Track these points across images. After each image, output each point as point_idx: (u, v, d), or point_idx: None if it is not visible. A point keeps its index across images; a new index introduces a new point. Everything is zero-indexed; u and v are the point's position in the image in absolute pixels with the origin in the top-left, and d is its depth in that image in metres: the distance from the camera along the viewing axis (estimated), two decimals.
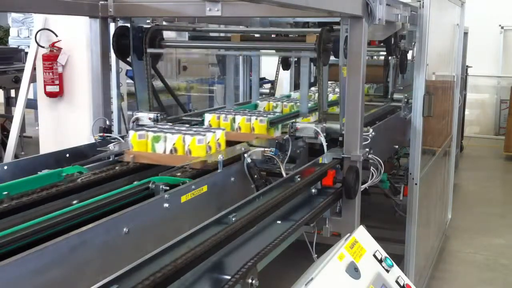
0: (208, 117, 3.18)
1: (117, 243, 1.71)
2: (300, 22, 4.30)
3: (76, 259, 1.54)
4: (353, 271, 1.77)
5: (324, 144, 2.82)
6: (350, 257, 1.81)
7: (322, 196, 2.43)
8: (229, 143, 2.74)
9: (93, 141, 2.81)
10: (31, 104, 5.61)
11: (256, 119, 3.09)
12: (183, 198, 2.03)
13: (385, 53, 4.68)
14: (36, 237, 1.59)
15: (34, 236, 1.59)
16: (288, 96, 4.53)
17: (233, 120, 3.13)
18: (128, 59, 3.22)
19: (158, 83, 3.78)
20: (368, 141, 2.73)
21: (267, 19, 4.12)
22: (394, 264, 1.98)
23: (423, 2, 3.48)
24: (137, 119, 3.16)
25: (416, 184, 3.62)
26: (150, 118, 3.12)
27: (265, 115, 3.18)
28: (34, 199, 1.98)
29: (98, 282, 1.28)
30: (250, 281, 1.60)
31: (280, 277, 2.73)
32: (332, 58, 3.12)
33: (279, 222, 2.07)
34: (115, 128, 3.10)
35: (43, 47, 4.84)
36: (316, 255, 2.12)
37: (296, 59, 5.17)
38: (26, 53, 5.98)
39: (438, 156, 4.58)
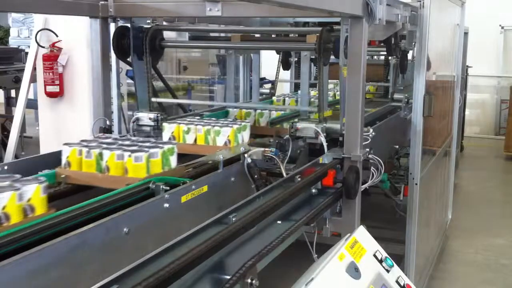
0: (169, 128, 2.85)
1: (117, 243, 1.71)
2: (300, 22, 4.30)
3: (76, 259, 1.54)
4: (354, 271, 1.77)
5: (325, 144, 2.82)
6: (350, 257, 1.81)
7: (322, 196, 2.43)
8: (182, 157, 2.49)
9: None
10: (32, 104, 5.61)
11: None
12: (183, 198, 2.03)
13: (385, 53, 4.68)
14: (36, 237, 1.59)
15: (34, 237, 1.59)
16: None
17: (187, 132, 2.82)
18: (128, 59, 3.22)
19: (158, 83, 3.78)
20: (368, 141, 2.73)
21: (267, 19, 4.12)
22: (395, 264, 1.98)
23: (423, 2, 3.48)
24: (137, 119, 3.16)
25: (416, 184, 3.62)
26: (150, 118, 3.12)
27: (230, 125, 2.80)
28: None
29: (98, 282, 1.28)
30: (249, 281, 1.60)
31: (280, 277, 2.73)
32: (332, 57, 3.12)
33: (279, 222, 2.07)
34: (115, 128, 3.10)
35: (43, 47, 4.84)
36: (316, 255, 2.12)
37: (296, 59, 5.17)
38: (26, 53, 5.98)
39: (438, 156, 4.58)
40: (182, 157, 2.45)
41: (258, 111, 3.56)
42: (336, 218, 2.54)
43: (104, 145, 2.30)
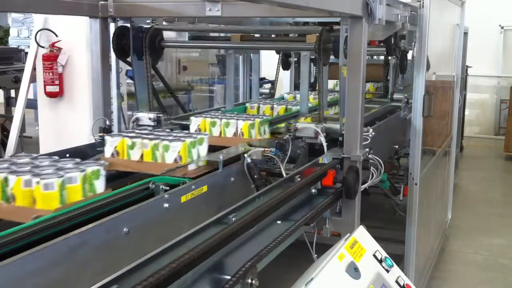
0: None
1: (117, 243, 1.71)
2: (300, 22, 4.30)
3: (76, 259, 1.54)
4: (353, 271, 1.77)
5: (324, 144, 2.82)
6: (350, 257, 1.81)
7: (322, 196, 2.43)
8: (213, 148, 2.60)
9: (93, 141, 2.81)
10: (31, 104, 5.61)
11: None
12: (183, 198, 2.03)
13: (385, 53, 4.68)
14: (36, 237, 1.59)
15: (34, 236, 1.59)
16: (282, 98, 4.54)
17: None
18: (128, 59, 3.23)
19: (158, 83, 3.78)
20: (368, 141, 2.73)
21: (267, 19, 4.12)
22: (394, 264, 1.98)
23: (423, 2, 3.48)
24: (137, 119, 3.16)
25: (416, 184, 3.62)
26: (150, 118, 3.12)
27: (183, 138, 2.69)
28: None
29: (98, 282, 1.28)
30: (250, 281, 1.60)
31: (280, 277, 2.72)
32: (332, 57, 3.12)
33: (279, 222, 2.07)
34: (115, 128, 3.10)
35: (43, 47, 4.84)
36: (316, 255, 2.12)
37: (296, 59, 5.17)
38: (26, 53, 5.99)
39: (438, 156, 4.58)
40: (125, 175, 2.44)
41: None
42: (336, 218, 2.54)
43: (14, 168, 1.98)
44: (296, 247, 2.19)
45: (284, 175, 2.44)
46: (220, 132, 3.00)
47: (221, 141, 2.86)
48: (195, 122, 3.06)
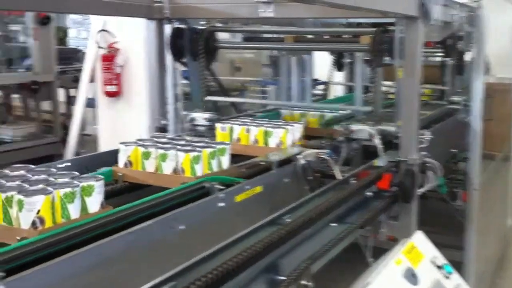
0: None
1: (173, 241, 1.73)
2: (354, 22, 4.25)
3: (132, 256, 1.57)
4: (411, 276, 1.73)
5: (379, 146, 2.77)
6: (407, 262, 1.77)
7: (378, 200, 2.39)
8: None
9: None
10: (91, 103, 5.77)
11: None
12: (238, 198, 2.03)
13: (441, 54, 4.56)
14: (93, 233, 1.61)
15: (91, 233, 1.62)
16: (341, 99, 4.49)
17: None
18: (183, 60, 3.27)
19: (213, 84, 3.82)
20: (425, 144, 2.67)
21: (320, 20, 4.09)
22: (454, 271, 1.92)
23: (480, 3, 3.38)
24: (192, 119, 3.19)
25: (475, 189, 3.51)
26: (205, 118, 3.15)
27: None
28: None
29: (154, 279, 1.30)
30: (304, 283, 1.59)
31: (334, 280, 2.69)
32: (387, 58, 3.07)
33: (333, 224, 2.05)
34: (170, 127, 3.14)
35: (101, 47, 4.97)
36: (371, 259, 2.08)
37: (349, 60, 5.11)
38: (84, 53, 6.16)
39: (498, 161, 4.43)
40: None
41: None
42: (392, 222, 2.49)
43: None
44: (351, 251, 2.16)
45: (339, 177, 2.41)
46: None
47: (245, 150, 2.66)
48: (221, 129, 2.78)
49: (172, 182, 2.12)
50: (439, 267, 1.87)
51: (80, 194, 1.75)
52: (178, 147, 2.25)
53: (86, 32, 9.40)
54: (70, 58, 7.73)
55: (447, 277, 1.86)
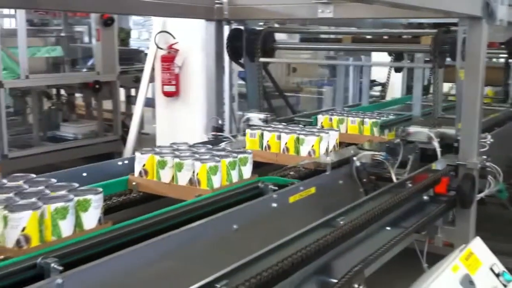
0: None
1: (227, 239, 1.75)
2: (414, 23, 4.16)
3: (186, 253, 1.60)
4: (468, 284, 1.68)
5: (438, 150, 2.71)
6: (465, 269, 1.73)
7: (435, 204, 2.34)
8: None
9: (206, 139, 2.91)
10: (149, 103, 5.92)
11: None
12: (291, 199, 2.04)
13: (505, 55, 4.41)
14: (148, 231, 1.64)
15: (150, 228, 1.65)
16: (400, 100, 4.42)
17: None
18: (240, 61, 3.30)
19: (268, 84, 3.84)
20: (486, 148, 2.59)
21: (379, 20, 4.04)
22: None
23: None
24: (248, 119, 3.22)
25: None
26: (260, 119, 3.17)
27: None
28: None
29: (208, 276, 1.32)
30: (357, 286, 1.58)
31: (388, 284, 2.66)
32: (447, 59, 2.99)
33: (388, 228, 2.02)
34: (226, 127, 3.18)
35: (161, 48, 5.08)
36: (426, 265, 2.04)
37: (409, 61, 5.01)
38: (145, 54, 6.33)
39: None
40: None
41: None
42: (449, 228, 2.43)
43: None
44: (406, 255, 2.12)
45: (395, 180, 2.37)
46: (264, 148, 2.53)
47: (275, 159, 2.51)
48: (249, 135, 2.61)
49: (187, 194, 1.95)
50: (498, 275, 1.81)
51: (75, 209, 1.57)
52: (196, 155, 2.10)
53: (147, 33, 9.65)
54: (131, 59, 7.94)
55: (505, 285, 1.80)
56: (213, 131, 3.02)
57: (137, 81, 6.47)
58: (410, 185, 2.25)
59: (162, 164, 2.07)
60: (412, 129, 2.86)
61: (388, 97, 4.80)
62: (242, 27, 3.24)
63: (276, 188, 2.06)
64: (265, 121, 3.14)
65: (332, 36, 4.31)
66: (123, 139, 6.23)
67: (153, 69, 5.33)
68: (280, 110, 4.03)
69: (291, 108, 3.97)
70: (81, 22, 7.18)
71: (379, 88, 5.54)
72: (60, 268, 1.28)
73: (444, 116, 3.53)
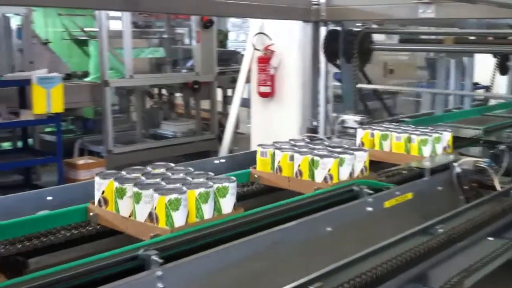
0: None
1: (320, 241, 1.74)
2: None
3: (279, 253, 1.60)
4: None
5: None
6: None
7: None
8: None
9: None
10: (245, 103, 6.03)
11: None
12: (387, 204, 1.99)
13: None
14: (239, 230, 1.64)
15: (241, 228, 1.67)
16: (504, 105, 4.17)
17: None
18: (337, 62, 3.28)
19: (364, 86, 3.77)
20: None
21: (483, 20, 3.85)
22: None
23: None
24: (343, 121, 3.19)
25: None
26: (356, 121, 3.13)
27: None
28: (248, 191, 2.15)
29: (300, 277, 1.33)
30: None
31: None
32: None
33: (490, 238, 1.92)
34: (320, 129, 3.17)
35: (258, 50, 5.15)
36: None
37: None
38: (242, 55, 6.44)
39: None
40: None
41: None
42: None
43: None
44: (508, 268, 2.01)
45: (499, 188, 2.25)
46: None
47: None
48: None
49: (143, 233, 1.60)
50: None
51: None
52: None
53: (244, 35, 9.83)
54: (229, 60, 8.13)
55: None
56: (307, 132, 3.02)
57: (233, 81, 6.60)
58: None
59: (120, 193, 1.68)
60: None
61: (492, 101, 4.56)
62: (339, 28, 3.21)
63: (372, 191, 2.03)
64: (361, 123, 3.09)
65: (432, 37, 4.16)
66: (219, 138, 6.39)
67: (249, 70, 5.41)
68: (377, 113, 3.95)
69: (388, 111, 3.88)
70: (182, 24, 7.45)
71: (482, 91, 5.28)
72: (160, 260, 1.33)
73: None
